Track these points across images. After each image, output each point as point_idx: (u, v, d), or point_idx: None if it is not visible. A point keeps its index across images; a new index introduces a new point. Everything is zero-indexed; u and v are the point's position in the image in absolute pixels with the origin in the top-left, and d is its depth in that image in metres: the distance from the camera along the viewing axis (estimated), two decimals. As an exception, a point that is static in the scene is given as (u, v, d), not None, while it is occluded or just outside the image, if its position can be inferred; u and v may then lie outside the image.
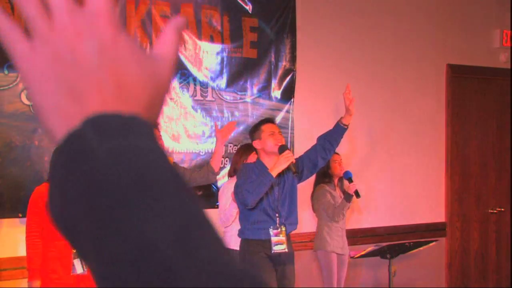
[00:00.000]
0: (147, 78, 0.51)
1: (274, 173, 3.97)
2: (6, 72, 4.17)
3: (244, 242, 4.16)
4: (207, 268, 0.43)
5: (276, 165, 3.98)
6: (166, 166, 0.47)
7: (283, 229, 4.09)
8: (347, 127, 4.30)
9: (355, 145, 5.79)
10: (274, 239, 4.07)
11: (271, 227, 4.07)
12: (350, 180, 5.07)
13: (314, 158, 4.22)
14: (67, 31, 0.50)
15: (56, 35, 0.50)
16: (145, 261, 0.42)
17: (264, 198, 4.07)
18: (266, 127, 4.17)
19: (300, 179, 4.29)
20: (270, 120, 4.36)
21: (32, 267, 3.73)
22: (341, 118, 4.31)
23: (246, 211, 4.11)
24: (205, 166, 4.66)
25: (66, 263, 3.83)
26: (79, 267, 3.87)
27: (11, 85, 4.20)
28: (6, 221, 4.18)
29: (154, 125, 0.51)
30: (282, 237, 4.08)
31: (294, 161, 4.03)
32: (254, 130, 4.24)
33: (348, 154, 5.58)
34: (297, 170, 4.09)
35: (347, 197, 5.04)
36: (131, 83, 0.50)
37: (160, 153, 0.48)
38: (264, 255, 4.08)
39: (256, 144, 4.18)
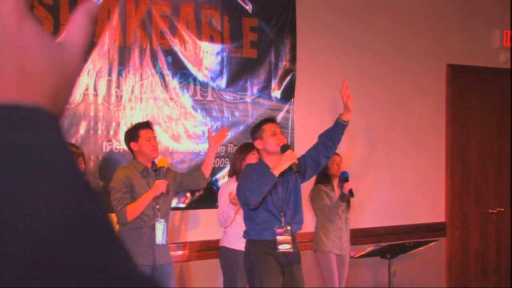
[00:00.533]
0: (53, 67, 0.48)
1: (276, 173, 3.92)
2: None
3: (250, 243, 4.11)
4: (94, 264, 0.43)
5: (278, 165, 3.94)
6: (66, 162, 0.45)
7: (288, 228, 4.05)
8: (347, 124, 4.25)
9: (355, 145, 5.79)
10: (279, 238, 4.02)
11: (276, 226, 4.03)
12: (346, 180, 5.07)
13: (316, 156, 4.18)
14: None
15: None
16: (35, 254, 0.41)
17: (268, 198, 4.02)
18: (267, 127, 4.14)
19: (304, 179, 4.25)
20: (271, 120, 4.33)
21: None
22: (340, 114, 4.26)
23: (251, 212, 4.06)
24: (196, 171, 4.63)
25: None
26: None
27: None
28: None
29: (60, 117, 0.49)
30: (287, 236, 4.04)
31: (296, 161, 3.99)
32: (256, 130, 4.20)
33: (348, 154, 5.57)
34: (299, 170, 4.05)
35: (342, 196, 5.03)
36: (35, 72, 0.47)
37: (61, 148, 0.46)
38: (271, 259, 4.03)
39: (257, 144, 4.15)
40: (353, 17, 5.85)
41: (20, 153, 0.44)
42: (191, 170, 4.82)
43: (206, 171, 4.57)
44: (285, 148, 4.01)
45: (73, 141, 4.42)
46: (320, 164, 4.23)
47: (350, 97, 4.23)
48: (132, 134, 4.32)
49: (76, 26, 0.52)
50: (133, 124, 4.48)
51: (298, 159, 4.08)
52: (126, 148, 4.60)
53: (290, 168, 3.97)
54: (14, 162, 0.43)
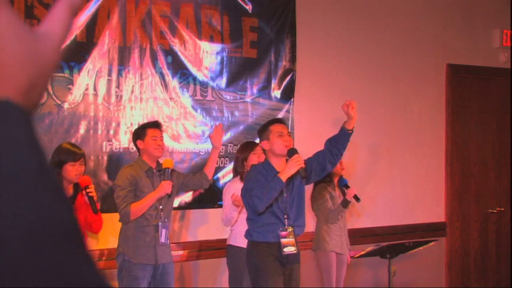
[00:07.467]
0: (28, 58, 0.46)
1: (283, 178, 3.85)
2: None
3: (252, 245, 4.08)
4: (54, 270, 0.41)
5: (285, 170, 3.87)
6: (36, 159, 0.43)
7: (292, 230, 4.03)
8: (351, 132, 4.16)
9: (355, 145, 5.78)
10: (283, 240, 3.99)
11: (280, 228, 4.01)
12: (346, 186, 5.06)
13: (322, 162, 4.13)
14: None
15: None
16: None
17: (273, 201, 3.99)
18: (274, 128, 4.07)
19: (308, 182, 4.21)
20: (279, 121, 4.27)
21: None
22: (344, 122, 4.20)
23: (255, 214, 4.04)
24: (198, 172, 4.63)
25: None
26: None
27: (11, 85, 4.20)
28: (6, 221, 4.18)
29: (32, 112, 0.46)
30: (292, 239, 4.02)
31: (303, 165, 3.94)
32: (263, 130, 4.14)
33: (348, 154, 5.56)
34: (306, 175, 4.01)
35: (344, 203, 5.01)
36: (8, 63, 0.44)
37: (29, 145, 0.43)
38: (274, 259, 4.01)
39: (264, 144, 4.10)
40: (353, 17, 5.86)
41: None
42: (193, 171, 4.82)
43: (209, 172, 4.58)
44: (292, 152, 3.95)
45: (73, 141, 4.42)
46: (326, 169, 4.18)
47: (350, 105, 4.12)
48: (140, 132, 4.36)
49: (55, 17, 0.50)
50: (142, 123, 4.52)
51: (304, 161, 4.03)
52: (125, 147, 4.61)
53: (297, 172, 3.92)
54: None
